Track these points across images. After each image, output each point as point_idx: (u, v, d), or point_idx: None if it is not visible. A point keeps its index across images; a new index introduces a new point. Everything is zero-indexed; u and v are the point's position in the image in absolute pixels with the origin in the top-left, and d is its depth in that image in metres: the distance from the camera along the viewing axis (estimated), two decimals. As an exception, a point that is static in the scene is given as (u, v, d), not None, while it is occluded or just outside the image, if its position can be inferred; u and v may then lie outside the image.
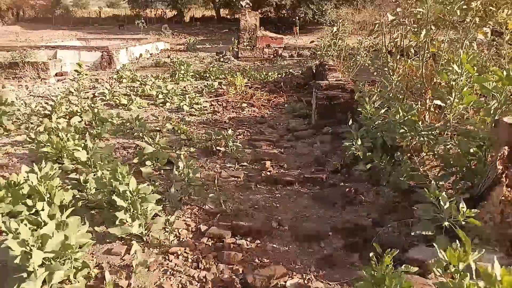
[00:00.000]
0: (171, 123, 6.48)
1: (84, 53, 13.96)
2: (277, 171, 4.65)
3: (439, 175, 3.09)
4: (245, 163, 4.89)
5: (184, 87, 9.90)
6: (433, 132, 3.19)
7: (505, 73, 2.80)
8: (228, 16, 34.46)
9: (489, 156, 2.70)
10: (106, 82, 10.83)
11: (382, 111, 3.82)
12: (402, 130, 3.26)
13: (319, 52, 9.82)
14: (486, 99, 3.25)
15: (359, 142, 3.37)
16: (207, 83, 10.05)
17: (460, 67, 2.89)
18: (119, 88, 9.76)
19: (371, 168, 3.56)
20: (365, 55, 8.16)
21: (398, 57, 5.12)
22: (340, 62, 8.94)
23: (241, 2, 18.36)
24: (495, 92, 2.87)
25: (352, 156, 3.68)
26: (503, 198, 2.54)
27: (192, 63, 13.76)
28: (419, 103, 4.64)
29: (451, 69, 2.91)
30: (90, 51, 14.09)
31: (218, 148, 5.26)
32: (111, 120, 6.45)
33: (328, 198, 3.72)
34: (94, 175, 3.89)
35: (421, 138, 3.13)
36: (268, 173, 4.54)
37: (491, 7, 4.10)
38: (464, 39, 4.30)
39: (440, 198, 2.55)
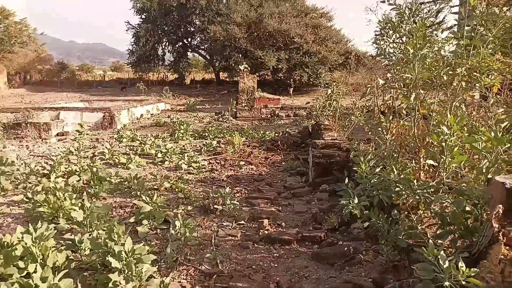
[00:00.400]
0: (169, 182, 6.51)
1: (87, 114, 14.36)
2: (275, 229, 4.60)
3: (437, 233, 3.08)
4: (242, 222, 4.85)
5: (183, 146, 10.07)
6: (428, 190, 3.23)
7: (493, 134, 2.92)
8: (227, 79, 35.95)
9: (484, 214, 2.72)
10: (106, 141, 11.02)
11: (378, 169, 3.89)
12: (397, 189, 3.30)
13: (314, 112, 10.15)
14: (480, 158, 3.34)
15: (356, 200, 3.40)
16: (205, 142, 10.24)
17: (449, 128, 3.01)
18: (119, 147, 9.92)
19: (369, 227, 3.55)
20: (359, 115, 8.43)
21: (390, 118, 5.31)
22: (335, 122, 9.21)
23: (239, 66, 19.28)
24: (485, 152, 2.96)
25: (350, 215, 3.68)
26: (502, 257, 2.51)
27: (191, 122, 14.12)
28: (413, 161, 4.73)
29: (441, 130, 3.03)
30: (92, 112, 14.51)
31: (215, 206, 5.24)
32: (109, 179, 6.48)
33: (327, 257, 3.66)
34: (90, 235, 3.84)
35: (417, 196, 3.17)
36: (266, 232, 4.49)
37: (475, 73, 4.36)
38: (452, 101, 4.50)
39: (439, 257, 2.52)
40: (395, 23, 4.78)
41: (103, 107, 15.15)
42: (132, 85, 33.23)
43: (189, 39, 37.90)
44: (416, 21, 4.81)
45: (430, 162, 2.99)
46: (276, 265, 3.73)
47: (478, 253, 2.66)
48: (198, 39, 37.66)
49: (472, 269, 2.39)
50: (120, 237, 3.36)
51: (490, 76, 4.57)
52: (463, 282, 2.34)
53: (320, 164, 5.92)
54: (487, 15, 4.35)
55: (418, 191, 3.19)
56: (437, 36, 5.10)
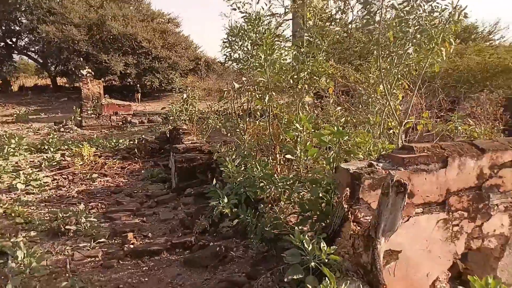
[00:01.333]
0: (1, 206, 5.41)
1: None
2: (141, 242, 4.30)
3: (298, 220, 3.39)
4: (103, 240, 4.39)
5: (17, 163, 8.53)
6: (287, 182, 3.53)
7: (336, 128, 3.37)
8: (67, 85, 32.15)
9: (336, 197, 3.12)
10: None
11: (242, 168, 4.05)
12: (262, 184, 3.50)
13: (171, 117, 9.97)
14: (325, 150, 3.81)
15: (226, 200, 3.47)
16: (46, 156, 8.91)
17: (300, 125, 3.35)
18: None
19: (238, 224, 3.66)
20: (216, 118, 8.67)
21: (247, 119, 5.62)
22: (193, 126, 9.25)
23: (81, 71, 17.50)
24: (331, 144, 3.40)
25: (220, 215, 3.73)
26: (352, 232, 2.92)
27: (25, 135, 12.09)
28: (270, 158, 5.11)
29: (295, 127, 3.35)
30: None
31: (67, 227, 4.60)
32: None
33: (200, 261, 3.62)
34: None
35: (279, 189, 3.42)
36: (132, 246, 4.16)
37: (315, 76, 4.97)
38: (298, 102, 5.04)
39: (304, 241, 2.78)
40: (246, 30, 5.08)
41: None
42: None
43: (14, 40, 32.39)
44: (264, 30, 5.21)
45: (288, 156, 3.28)
46: (146, 278, 3.50)
47: (334, 233, 3.04)
48: (27, 39, 32.48)
49: (332, 247, 2.70)
50: None
51: (326, 80, 5.29)
52: (326, 260, 2.63)
53: (183, 168, 5.84)
54: (319, 28, 5.03)
55: (279, 184, 3.45)
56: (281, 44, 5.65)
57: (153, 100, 25.29)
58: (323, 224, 3.29)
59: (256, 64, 4.66)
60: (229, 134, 6.16)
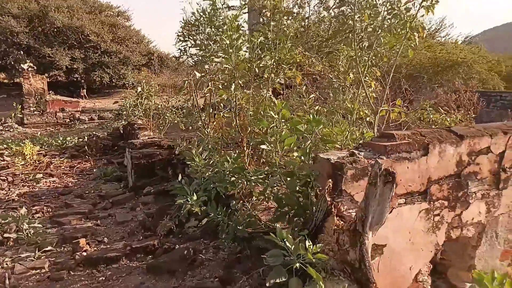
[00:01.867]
0: None
1: None
2: (95, 248, 3.81)
3: (275, 216, 3.11)
4: (49, 248, 3.84)
5: None
6: (260, 176, 3.23)
7: (311, 116, 3.12)
8: (6, 81, 29.59)
9: (317, 190, 2.86)
10: None
11: (211, 162, 3.70)
12: (233, 178, 3.18)
13: (125, 112, 9.32)
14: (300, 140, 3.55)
15: (195, 197, 3.10)
16: (-19, 156, 7.94)
17: (276, 113, 3.07)
18: None
19: (207, 223, 3.32)
20: (174, 113, 8.19)
21: (210, 111, 5.25)
22: (149, 121, 8.68)
23: (22, 65, 16.08)
24: (306, 133, 3.14)
25: (187, 214, 3.35)
26: (335, 227, 2.69)
27: (-44, 134, 10.82)
28: (236, 151, 4.80)
29: (269, 115, 3.06)
30: None
31: (6, 235, 4.00)
32: None
33: (165, 266, 3.22)
34: None
35: (252, 184, 3.12)
36: (84, 254, 3.66)
37: (282, 65, 4.72)
38: (265, 92, 4.76)
39: (286, 240, 2.50)
40: (209, 13, 4.71)
41: None
42: None
43: None
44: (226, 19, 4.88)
45: (263, 147, 2.99)
46: (104, 290, 3.05)
47: (316, 228, 2.78)
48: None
49: (318, 245, 2.45)
50: None
51: (292, 68, 5.06)
52: (313, 260, 2.37)
53: (141, 165, 5.35)
54: (285, 13, 4.77)
55: (252, 178, 3.15)
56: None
57: (103, 96, 23.97)
58: (302, 220, 3.04)
59: (220, 51, 4.32)
60: (190, 128, 5.76)
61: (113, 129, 9.92)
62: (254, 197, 3.54)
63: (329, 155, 2.92)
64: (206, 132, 5.18)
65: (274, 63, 4.67)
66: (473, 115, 4.80)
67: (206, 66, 4.93)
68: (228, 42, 4.30)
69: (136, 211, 4.70)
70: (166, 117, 8.01)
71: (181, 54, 5.95)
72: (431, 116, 3.96)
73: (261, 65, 4.78)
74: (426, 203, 3.08)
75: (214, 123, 5.39)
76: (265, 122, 3.04)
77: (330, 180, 2.70)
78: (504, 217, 3.56)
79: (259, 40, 4.74)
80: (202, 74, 5.02)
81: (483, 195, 3.38)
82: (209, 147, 4.82)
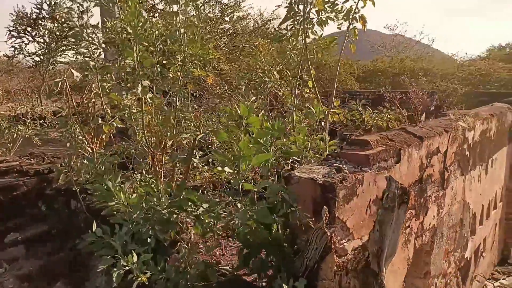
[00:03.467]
0: None
1: None
2: None
3: (241, 259, 2.30)
4: None
5: None
6: (217, 209, 2.38)
7: (272, 124, 2.44)
8: None
9: (297, 220, 2.18)
10: None
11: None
12: (174, 215, 2.24)
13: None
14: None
15: (135, 257, 2.00)
16: None
17: (244, 120, 2.27)
18: None
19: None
20: (29, 124, 6.33)
21: (99, 122, 4.02)
22: (-7, 138, 6.50)
23: None
24: (267, 145, 2.44)
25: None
26: (335, 268, 2.08)
27: None
28: (143, 172, 3.78)
29: (234, 121, 2.25)
30: None
31: None
32: None
33: None
34: None
35: (205, 223, 2.26)
36: None
37: (196, 61, 3.87)
38: (176, 94, 3.85)
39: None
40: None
41: None
42: None
43: None
44: None
45: (227, 170, 2.14)
46: None
47: (309, 273, 2.12)
48: None
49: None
50: None
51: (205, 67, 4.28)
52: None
53: (-3, 203, 3.72)
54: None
55: (205, 215, 2.29)
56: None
57: None
58: (275, 260, 2.32)
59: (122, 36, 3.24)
60: (68, 144, 4.34)
61: None
62: (200, 235, 2.63)
63: (304, 173, 2.29)
64: (90, 149, 3.99)
65: (187, 59, 3.78)
66: (407, 114, 4.87)
67: (92, 63, 3.69)
68: (131, 31, 3.26)
69: (-2, 275, 3.16)
70: (19, 129, 6.10)
71: (15, 53, 4.46)
72: (364, 116, 3.75)
73: (164, 62, 3.86)
74: (401, 216, 2.73)
75: (103, 136, 4.17)
76: (224, 134, 2.21)
77: (325, 207, 2.07)
78: (446, 216, 3.55)
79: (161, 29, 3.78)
80: (81, 75, 3.78)
81: (436, 198, 3.27)
82: (102, 168, 3.65)
